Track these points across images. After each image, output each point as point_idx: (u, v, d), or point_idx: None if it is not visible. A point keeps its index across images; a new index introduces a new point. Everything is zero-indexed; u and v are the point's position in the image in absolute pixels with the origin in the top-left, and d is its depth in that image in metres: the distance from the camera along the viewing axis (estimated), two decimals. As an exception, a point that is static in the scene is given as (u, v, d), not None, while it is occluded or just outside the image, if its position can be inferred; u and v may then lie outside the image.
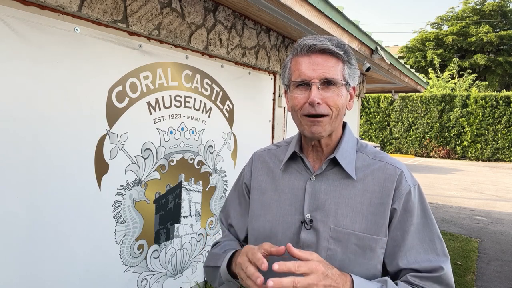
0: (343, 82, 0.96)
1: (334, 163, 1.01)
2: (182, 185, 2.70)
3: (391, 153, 19.51)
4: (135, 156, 2.32)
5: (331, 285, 0.81)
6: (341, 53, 0.95)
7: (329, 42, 0.95)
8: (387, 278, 0.93)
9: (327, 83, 0.93)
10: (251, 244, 1.07)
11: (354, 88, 1.02)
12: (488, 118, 18.16)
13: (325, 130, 0.96)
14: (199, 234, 2.88)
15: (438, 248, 0.97)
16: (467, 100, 18.60)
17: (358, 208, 0.97)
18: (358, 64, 1.09)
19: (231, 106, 3.12)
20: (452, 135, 18.96)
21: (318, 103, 0.92)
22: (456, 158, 19.06)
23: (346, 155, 1.00)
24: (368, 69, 4.35)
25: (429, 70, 22.65)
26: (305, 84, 0.95)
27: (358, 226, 0.96)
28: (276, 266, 0.79)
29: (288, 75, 1.00)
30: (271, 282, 0.77)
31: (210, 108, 2.91)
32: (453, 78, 23.59)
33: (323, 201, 0.99)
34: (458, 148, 18.92)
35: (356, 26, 3.53)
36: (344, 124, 1.07)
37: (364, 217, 0.96)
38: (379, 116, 20.50)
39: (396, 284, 0.92)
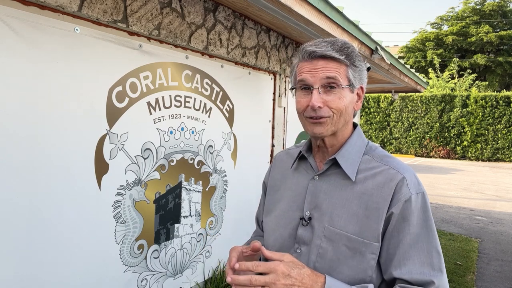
0: (345, 85, 0.96)
1: (337, 164, 1.02)
2: (182, 185, 2.70)
3: (391, 153, 19.49)
4: (135, 156, 2.32)
5: (293, 284, 0.84)
6: (342, 57, 0.95)
7: (330, 46, 0.95)
8: (369, 286, 0.91)
9: (329, 86, 0.96)
10: (265, 237, 1.15)
11: (362, 88, 1.02)
12: (488, 118, 18.16)
13: (327, 130, 0.98)
14: (199, 234, 2.88)
15: (435, 262, 0.93)
16: (467, 100, 18.60)
17: (354, 210, 0.96)
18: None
19: (231, 106, 3.12)
20: (452, 135, 18.95)
21: (319, 107, 0.95)
22: (456, 158, 19.06)
23: (348, 157, 1.01)
24: (368, 69, 4.33)
25: (429, 70, 22.64)
26: (307, 88, 0.98)
27: (351, 228, 0.95)
28: (237, 266, 0.86)
29: (293, 79, 1.04)
30: (229, 278, 0.85)
31: (210, 108, 2.91)
32: (453, 78, 23.59)
33: (322, 200, 1.01)
34: (458, 148, 18.91)
35: (356, 26, 3.53)
36: (355, 126, 1.07)
37: (358, 220, 0.95)
38: (379, 116, 20.50)
39: None
